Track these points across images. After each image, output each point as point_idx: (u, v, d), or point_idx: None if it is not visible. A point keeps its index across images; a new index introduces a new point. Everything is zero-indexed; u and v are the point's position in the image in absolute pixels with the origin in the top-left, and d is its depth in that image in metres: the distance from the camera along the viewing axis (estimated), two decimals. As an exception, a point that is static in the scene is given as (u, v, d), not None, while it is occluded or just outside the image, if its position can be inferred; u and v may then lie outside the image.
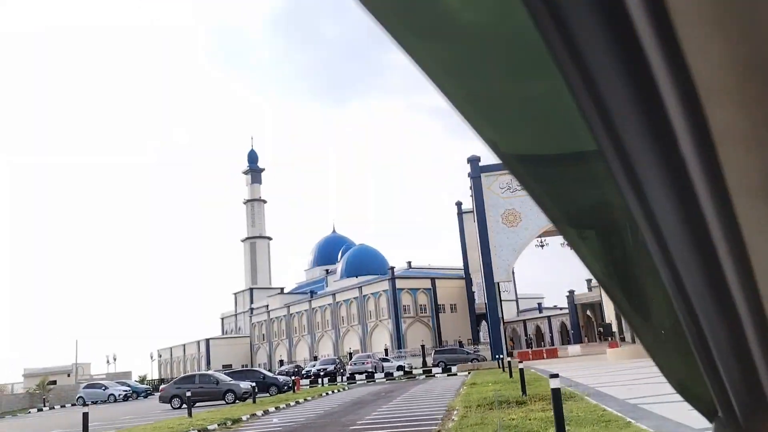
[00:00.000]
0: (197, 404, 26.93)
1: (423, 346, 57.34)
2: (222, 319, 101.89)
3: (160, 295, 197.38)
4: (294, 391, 29.83)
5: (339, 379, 38.92)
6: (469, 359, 45.72)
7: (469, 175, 42.79)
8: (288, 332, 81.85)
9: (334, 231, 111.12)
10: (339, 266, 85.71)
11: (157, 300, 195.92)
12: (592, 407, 11.43)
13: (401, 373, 39.12)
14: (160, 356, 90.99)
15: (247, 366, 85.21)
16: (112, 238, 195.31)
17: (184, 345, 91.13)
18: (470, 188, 43.12)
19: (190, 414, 19.13)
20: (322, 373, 38.97)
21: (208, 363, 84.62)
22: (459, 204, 67.99)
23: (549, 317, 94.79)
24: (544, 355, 47.64)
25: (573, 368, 28.16)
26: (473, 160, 42.70)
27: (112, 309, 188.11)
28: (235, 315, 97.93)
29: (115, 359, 77.15)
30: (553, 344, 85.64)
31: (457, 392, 19.92)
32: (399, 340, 67.39)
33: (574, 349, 52.59)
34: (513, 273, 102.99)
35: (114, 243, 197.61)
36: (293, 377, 31.99)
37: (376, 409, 17.18)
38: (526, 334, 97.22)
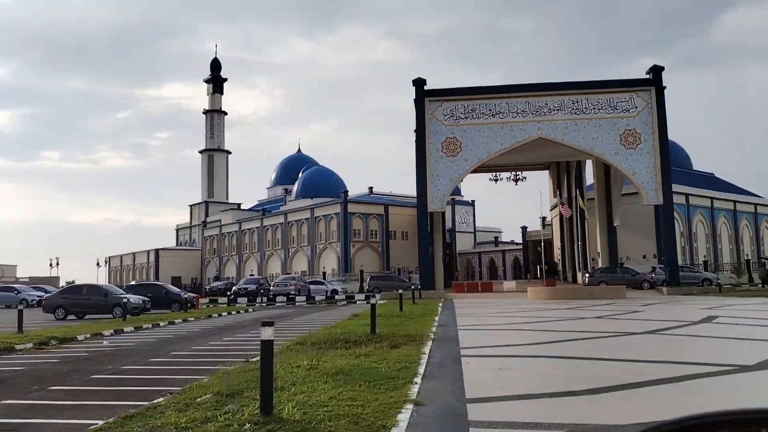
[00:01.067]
0: (86, 317, 25.50)
1: (362, 272, 56.51)
2: (177, 230, 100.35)
3: (119, 202, 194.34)
4: (196, 308, 28.53)
5: (258, 299, 37.67)
6: (403, 287, 44.82)
7: (414, 100, 40.54)
8: (239, 248, 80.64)
9: (299, 151, 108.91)
10: (295, 186, 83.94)
11: (116, 207, 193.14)
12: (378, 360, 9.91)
13: (323, 297, 37.91)
14: (107, 263, 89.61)
15: (196, 279, 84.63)
16: (73, 137, 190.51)
17: (134, 254, 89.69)
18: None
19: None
20: (242, 293, 37.67)
21: (157, 274, 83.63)
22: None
23: (504, 251, 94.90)
24: (479, 289, 46.76)
25: (481, 304, 27.03)
26: (418, 83, 40.40)
27: (68, 212, 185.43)
28: (190, 227, 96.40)
29: (57, 263, 75.68)
30: (505, 278, 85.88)
31: (333, 324, 18.57)
32: (346, 263, 66.64)
33: (509, 284, 52.02)
34: (473, 205, 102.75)
35: (73, 143, 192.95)
36: (195, 295, 30.60)
37: (222, 338, 15.74)
38: (480, 267, 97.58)
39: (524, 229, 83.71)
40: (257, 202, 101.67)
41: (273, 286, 40.10)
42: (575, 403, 6.45)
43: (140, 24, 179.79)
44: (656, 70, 39.30)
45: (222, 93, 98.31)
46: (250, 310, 30.04)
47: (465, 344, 11.83)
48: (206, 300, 37.05)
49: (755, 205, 72.26)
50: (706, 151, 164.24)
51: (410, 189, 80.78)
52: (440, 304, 27.46)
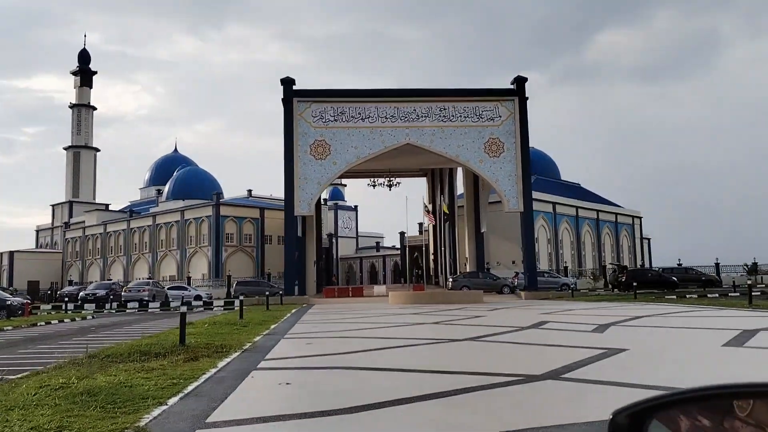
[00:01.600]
0: None
1: (229, 277, 54.63)
2: (37, 231, 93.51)
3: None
4: (26, 315, 26.03)
5: (108, 306, 35.17)
6: (271, 292, 43.54)
7: (282, 99, 39.45)
8: (103, 251, 76.03)
9: (175, 150, 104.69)
10: (166, 187, 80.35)
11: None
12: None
13: (178, 304, 35.82)
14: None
15: (56, 284, 78.91)
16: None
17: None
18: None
19: None
20: (90, 298, 35.04)
21: (11, 278, 77.42)
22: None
23: (384, 257, 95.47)
24: (349, 293, 46.21)
25: (338, 310, 26.35)
26: (287, 83, 39.38)
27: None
28: (52, 229, 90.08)
29: None
30: (385, 282, 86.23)
31: (158, 333, 17.20)
32: (217, 268, 64.28)
33: (380, 288, 52.02)
34: (356, 210, 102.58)
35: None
36: (25, 301, 28.00)
37: (17, 350, 14.06)
38: (361, 271, 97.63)
39: (402, 234, 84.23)
40: (128, 203, 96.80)
41: (125, 291, 37.63)
42: (321, 424, 5.75)
43: (11, 9, 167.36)
44: (520, 81, 40.36)
45: (91, 87, 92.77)
46: (90, 317, 27.78)
47: (273, 355, 11.00)
48: (49, 306, 34.17)
49: (616, 214, 76.41)
50: (575, 162, 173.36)
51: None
52: (294, 311, 26.54)
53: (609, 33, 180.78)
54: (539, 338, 12.78)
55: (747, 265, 49.32)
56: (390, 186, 51.94)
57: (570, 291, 38.79)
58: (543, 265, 63.81)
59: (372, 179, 57.13)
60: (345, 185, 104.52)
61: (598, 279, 52.31)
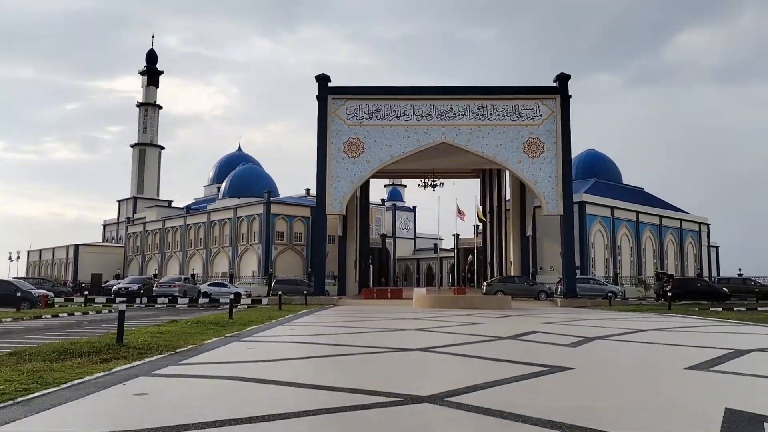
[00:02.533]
0: None
1: (270, 275, 54.80)
2: (104, 226, 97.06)
3: (65, 195, 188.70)
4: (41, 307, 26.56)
5: (138, 300, 35.63)
6: (308, 292, 43.30)
7: (316, 96, 39.07)
8: (161, 247, 78.07)
9: (239, 149, 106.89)
10: (223, 185, 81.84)
11: (61, 200, 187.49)
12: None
13: (206, 300, 36.02)
14: (21, 257, 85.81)
15: (119, 276, 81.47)
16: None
17: (53, 249, 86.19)
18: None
19: None
20: (122, 292, 35.63)
21: (76, 270, 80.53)
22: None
23: (441, 258, 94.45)
24: (388, 295, 45.43)
25: (358, 311, 25.64)
26: (322, 80, 38.97)
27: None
28: (117, 224, 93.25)
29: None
30: (442, 284, 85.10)
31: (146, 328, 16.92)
32: (267, 265, 64.73)
33: (419, 291, 50.87)
34: (414, 211, 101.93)
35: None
36: (42, 293, 28.56)
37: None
38: (417, 273, 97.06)
39: (456, 236, 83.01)
40: (193, 200, 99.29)
41: (156, 286, 38.12)
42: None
43: (96, 13, 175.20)
44: (563, 78, 38.62)
45: (157, 86, 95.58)
46: (107, 311, 28.07)
47: (195, 360, 10.39)
48: (81, 299, 34.91)
49: (681, 220, 72.76)
50: (644, 167, 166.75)
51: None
52: (303, 311, 26.01)
53: (690, 33, 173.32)
54: (497, 351, 11.69)
55: (816, 277, 45.66)
56: (434, 186, 50.78)
57: (612, 299, 36.69)
58: (599, 271, 61.39)
59: (423, 180, 56.05)
60: (405, 186, 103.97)
61: (649, 287, 49.67)
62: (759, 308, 29.77)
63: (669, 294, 36.12)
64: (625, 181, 78.67)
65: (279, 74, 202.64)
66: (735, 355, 10.90)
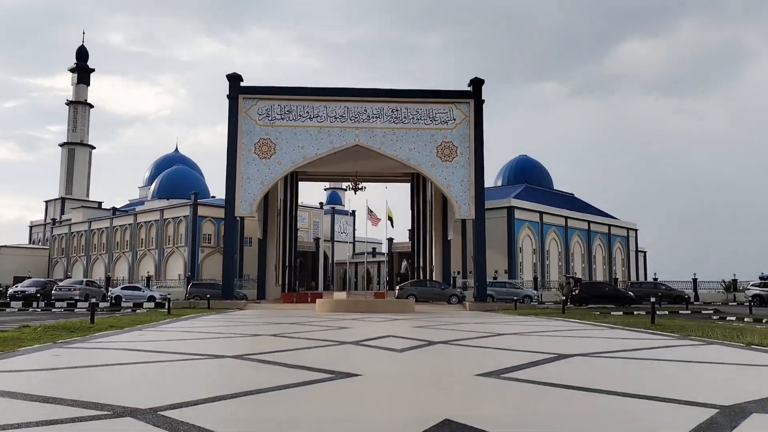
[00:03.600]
0: None
1: (188, 278, 53.59)
2: (30, 227, 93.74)
3: (3, 196, 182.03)
4: None
5: (36, 304, 34.17)
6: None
7: (227, 95, 38.25)
8: (87, 249, 75.71)
9: (176, 150, 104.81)
10: (152, 186, 79.95)
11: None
12: None
13: (107, 304, 34.80)
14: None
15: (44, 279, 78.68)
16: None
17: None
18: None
19: None
20: (18, 296, 34.11)
21: (-4, 272, 77.47)
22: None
23: (379, 262, 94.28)
24: (308, 299, 44.70)
25: (246, 316, 24.91)
26: (233, 78, 38.18)
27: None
28: (44, 225, 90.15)
29: None
30: (380, 288, 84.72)
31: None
32: (193, 269, 63.28)
33: (340, 294, 50.46)
34: (354, 215, 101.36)
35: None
36: None
37: None
38: (356, 277, 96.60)
39: (390, 240, 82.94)
40: (128, 202, 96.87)
41: (55, 290, 36.67)
42: None
43: (37, 9, 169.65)
44: (476, 83, 38.69)
45: (88, 84, 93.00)
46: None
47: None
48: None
49: (609, 225, 74.06)
50: (583, 174, 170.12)
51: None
52: (192, 315, 25.19)
53: (632, 43, 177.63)
54: (308, 358, 11.25)
55: (724, 282, 46.90)
56: (355, 190, 50.36)
57: (528, 303, 36.92)
58: (527, 275, 61.93)
59: (353, 182, 55.46)
60: (345, 189, 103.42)
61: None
62: (658, 312, 30.14)
63: (576, 297, 36.50)
64: (556, 187, 79.79)
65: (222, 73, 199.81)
66: (551, 360, 10.71)
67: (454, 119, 38.08)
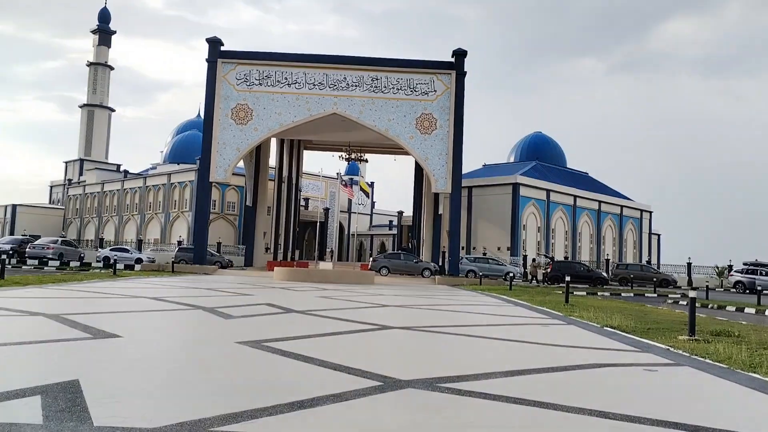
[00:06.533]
0: None
1: (180, 242, 54.09)
2: (51, 187, 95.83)
3: (44, 156, 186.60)
4: None
5: (8, 261, 34.80)
6: (213, 261, 42.71)
7: (206, 59, 38.04)
8: (99, 210, 77.12)
9: (198, 116, 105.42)
10: (164, 150, 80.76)
11: (40, 161, 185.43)
12: None
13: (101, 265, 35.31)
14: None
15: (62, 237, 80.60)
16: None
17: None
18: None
19: None
20: (-7, 252, 34.75)
21: (12, 232, 79.46)
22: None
23: (393, 235, 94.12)
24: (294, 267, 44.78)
25: (189, 282, 24.96)
26: (213, 42, 37.90)
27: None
28: (63, 185, 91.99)
29: None
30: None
31: None
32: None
33: (326, 264, 50.40)
34: (372, 186, 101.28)
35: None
36: None
37: None
38: (371, 249, 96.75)
39: (400, 213, 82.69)
40: (150, 166, 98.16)
41: (29, 248, 37.38)
42: None
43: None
44: (459, 54, 37.69)
45: (109, 46, 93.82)
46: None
47: None
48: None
49: (621, 206, 72.29)
50: (610, 153, 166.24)
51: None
52: (146, 277, 25.33)
53: (676, 22, 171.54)
54: (104, 323, 11.05)
55: (718, 267, 45.41)
56: (348, 160, 49.90)
57: (506, 279, 36.23)
58: (531, 253, 60.93)
59: (340, 153, 54.31)
60: (367, 161, 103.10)
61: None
62: (623, 294, 29.33)
63: (548, 276, 35.71)
64: (573, 166, 78.06)
65: (264, 43, 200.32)
66: (366, 330, 10.33)
67: (435, 90, 37.25)
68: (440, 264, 39.14)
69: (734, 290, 36.47)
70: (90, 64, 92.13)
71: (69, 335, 8.53)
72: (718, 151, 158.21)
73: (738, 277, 36.47)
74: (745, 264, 37.75)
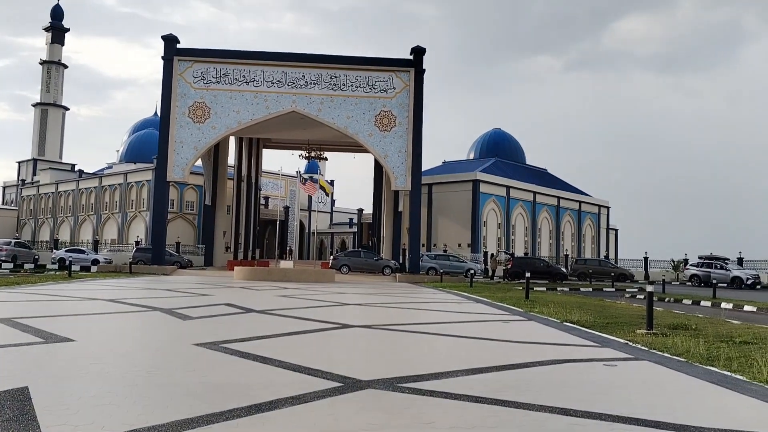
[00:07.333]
0: None
1: (138, 242, 53.15)
2: (3, 187, 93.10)
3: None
4: None
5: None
6: (172, 261, 42.01)
7: (162, 57, 37.36)
8: (54, 211, 75.24)
9: (155, 114, 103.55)
10: (120, 149, 79.21)
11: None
12: None
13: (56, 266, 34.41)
14: None
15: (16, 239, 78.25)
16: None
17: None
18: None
19: None
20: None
21: (-38, 233, 77.06)
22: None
23: (354, 233, 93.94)
24: (254, 266, 44.32)
25: (149, 282, 24.47)
26: (168, 39, 37.24)
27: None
28: (17, 186, 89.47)
29: None
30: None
31: None
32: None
33: (287, 263, 50.10)
34: (332, 185, 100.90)
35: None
36: None
37: None
38: (332, 247, 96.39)
39: (360, 211, 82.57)
40: (105, 165, 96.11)
41: (-21, 250, 36.35)
42: None
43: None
44: (417, 52, 37.76)
45: (62, 44, 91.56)
46: None
47: None
48: None
49: (580, 202, 73.41)
50: (567, 150, 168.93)
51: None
52: (100, 279, 24.76)
53: (630, 20, 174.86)
54: (57, 326, 10.76)
55: (673, 261, 46.45)
56: (308, 158, 49.59)
57: (467, 276, 36.46)
58: (492, 249, 61.43)
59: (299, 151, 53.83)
60: (326, 159, 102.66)
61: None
62: (583, 289, 29.76)
63: (508, 272, 36.08)
64: (532, 162, 79.03)
65: (220, 40, 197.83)
66: (326, 330, 10.24)
67: (394, 88, 37.25)
68: (401, 261, 39.21)
69: (690, 284, 37.34)
70: (43, 63, 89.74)
71: (20, 340, 8.28)
72: (672, 146, 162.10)
73: (693, 270, 37.36)
74: (700, 258, 38.69)
